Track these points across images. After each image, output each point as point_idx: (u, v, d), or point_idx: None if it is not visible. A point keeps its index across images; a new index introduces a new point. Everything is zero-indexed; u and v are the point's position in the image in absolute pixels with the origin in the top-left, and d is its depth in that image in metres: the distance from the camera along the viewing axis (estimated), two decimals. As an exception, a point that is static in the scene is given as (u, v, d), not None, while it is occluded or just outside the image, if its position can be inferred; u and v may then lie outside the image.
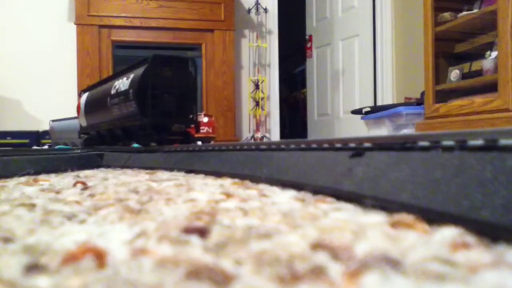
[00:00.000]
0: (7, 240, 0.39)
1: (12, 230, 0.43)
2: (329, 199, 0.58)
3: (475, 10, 2.77)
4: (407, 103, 3.57)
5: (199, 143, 3.49)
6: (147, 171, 1.36)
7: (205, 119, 3.71)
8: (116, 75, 2.42)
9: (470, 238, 0.34)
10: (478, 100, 2.62)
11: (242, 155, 1.06)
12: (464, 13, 2.83)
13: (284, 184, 0.75)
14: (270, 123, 4.95)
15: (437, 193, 0.43)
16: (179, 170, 1.27)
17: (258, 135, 4.73)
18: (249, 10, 4.83)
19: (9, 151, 1.68)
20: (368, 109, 3.60)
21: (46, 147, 3.74)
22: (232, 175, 0.97)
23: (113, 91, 2.25)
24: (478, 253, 0.31)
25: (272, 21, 4.91)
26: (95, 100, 2.56)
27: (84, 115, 2.74)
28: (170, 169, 1.33)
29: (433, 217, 0.40)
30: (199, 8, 4.54)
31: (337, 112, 4.89)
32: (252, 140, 4.61)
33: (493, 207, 0.36)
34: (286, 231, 0.40)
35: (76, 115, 3.01)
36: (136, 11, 4.43)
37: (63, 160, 1.47)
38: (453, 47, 3.05)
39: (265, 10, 4.82)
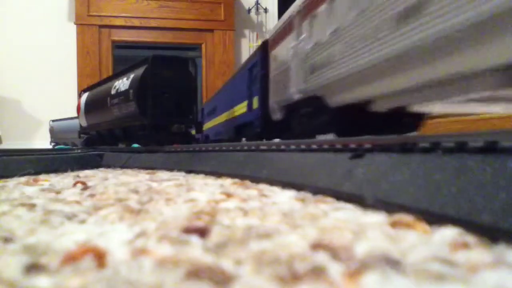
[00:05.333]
0: (7, 240, 0.39)
1: (12, 230, 0.43)
2: (329, 199, 0.58)
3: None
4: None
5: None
6: (147, 171, 1.36)
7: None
8: (116, 75, 2.42)
9: (470, 238, 0.34)
10: (478, 100, 2.62)
11: (242, 155, 1.06)
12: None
13: (284, 184, 0.76)
14: (270, 123, 4.95)
15: (437, 196, 0.43)
16: (179, 170, 1.27)
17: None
18: (249, 10, 4.83)
19: (9, 151, 1.68)
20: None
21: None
22: (232, 175, 0.97)
23: (113, 91, 2.26)
24: (478, 253, 0.31)
25: (272, 21, 4.90)
26: (95, 100, 2.56)
27: (84, 115, 2.74)
28: (170, 169, 1.33)
29: (433, 219, 0.40)
30: (199, 8, 4.54)
31: (337, 112, 4.88)
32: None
33: (493, 209, 0.36)
34: (286, 231, 0.40)
35: (76, 115, 3.01)
36: (136, 11, 4.43)
37: (63, 160, 1.47)
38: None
39: (265, 10, 4.82)
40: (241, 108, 2.27)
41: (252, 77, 2.07)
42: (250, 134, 2.08)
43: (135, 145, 2.28)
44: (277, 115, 1.68)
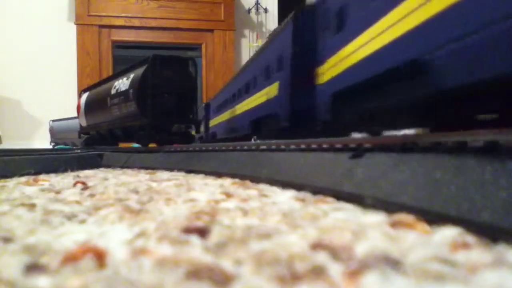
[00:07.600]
0: (7, 240, 0.39)
1: (12, 230, 0.43)
2: (329, 199, 0.58)
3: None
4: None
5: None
6: (147, 171, 1.36)
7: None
8: (116, 75, 2.42)
9: (470, 238, 0.34)
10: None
11: (242, 155, 1.06)
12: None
13: (284, 184, 0.75)
14: (270, 123, 4.94)
15: (437, 195, 0.43)
16: (179, 170, 1.27)
17: (258, 135, 4.72)
18: (249, 10, 4.83)
19: (9, 151, 1.69)
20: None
21: None
22: (232, 175, 0.97)
23: (113, 91, 2.26)
24: (478, 253, 0.31)
25: (272, 21, 4.90)
26: (95, 100, 2.56)
27: (84, 115, 2.74)
28: (170, 169, 1.33)
29: (433, 218, 0.40)
30: (199, 8, 4.54)
31: (337, 112, 4.88)
32: (253, 140, 4.58)
33: (493, 209, 0.36)
34: (286, 231, 0.40)
35: (76, 115, 3.01)
36: (136, 11, 4.43)
37: (63, 160, 1.47)
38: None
39: (265, 10, 4.82)
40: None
41: None
42: None
43: (135, 145, 2.28)
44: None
